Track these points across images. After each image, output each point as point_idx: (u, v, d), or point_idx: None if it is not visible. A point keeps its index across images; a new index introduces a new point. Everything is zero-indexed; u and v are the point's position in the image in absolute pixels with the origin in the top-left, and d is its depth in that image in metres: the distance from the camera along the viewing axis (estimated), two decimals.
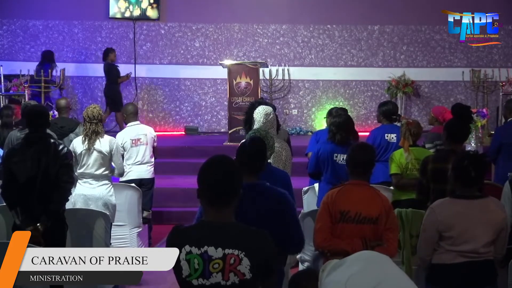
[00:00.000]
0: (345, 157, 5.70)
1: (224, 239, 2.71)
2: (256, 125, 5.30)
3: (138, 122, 7.42)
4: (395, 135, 6.81)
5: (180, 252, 2.71)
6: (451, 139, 5.10)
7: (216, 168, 2.78)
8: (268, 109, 5.46)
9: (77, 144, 6.30)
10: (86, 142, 6.25)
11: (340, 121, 5.92)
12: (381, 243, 4.02)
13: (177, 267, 2.72)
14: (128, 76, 11.90)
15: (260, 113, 5.38)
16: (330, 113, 7.23)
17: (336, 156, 5.81)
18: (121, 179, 7.13)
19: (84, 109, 6.45)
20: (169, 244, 2.79)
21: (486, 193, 4.09)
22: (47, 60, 11.45)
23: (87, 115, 6.29)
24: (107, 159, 6.34)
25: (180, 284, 2.77)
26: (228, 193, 2.77)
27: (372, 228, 4.02)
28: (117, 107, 11.28)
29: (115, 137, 6.82)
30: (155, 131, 7.75)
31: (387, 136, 6.92)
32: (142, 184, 7.21)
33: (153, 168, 7.43)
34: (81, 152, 6.26)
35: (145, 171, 7.34)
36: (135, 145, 7.25)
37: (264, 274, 2.75)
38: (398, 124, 7.02)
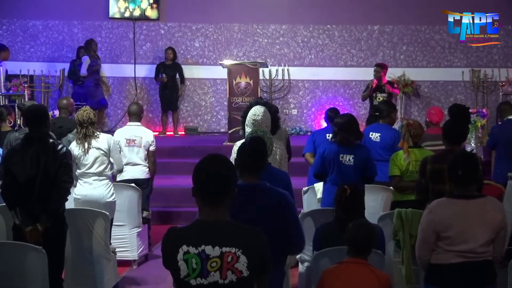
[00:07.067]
0: (350, 158, 5.73)
1: (221, 238, 2.70)
2: (246, 129, 5.00)
3: (138, 123, 7.39)
4: (379, 134, 7.03)
5: (178, 252, 2.70)
6: (448, 139, 5.11)
7: (210, 167, 2.77)
8: (258, 110, 5.07)
9: (73, 147, 6.29)
10: (81, 145, 6.26)
11: (341, 121, 5.84)
12: None
13: (175, 268, 2.71)
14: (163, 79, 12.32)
15: (249, 115, 5.07)
16: (326, 114, 7.38)
17: (342, 157, 5.73)
18: (117, 178, 7.11)
19: (75, 113, 6.45)
20: (165, 246, 2.77)
21: (484, 193, 4.09)
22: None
23: (77, 119, 6.30)
24: (106, 156, 6.35)
25: (178, 285, 2.74)
26: (222, 191, 2.75)
27: None
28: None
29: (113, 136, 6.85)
30: (155, 131, 7.72)
31: (371, 135, 7.08)
32: (137, 184, 7.19)
33: (147, 168, 7.38)
34: (79, 154, 6.26)
35: (140, 172, 7.31)
36: (128, 145, 7.23)
37: (260, 270, 2.75)
38: (381, 123, 7.22)
